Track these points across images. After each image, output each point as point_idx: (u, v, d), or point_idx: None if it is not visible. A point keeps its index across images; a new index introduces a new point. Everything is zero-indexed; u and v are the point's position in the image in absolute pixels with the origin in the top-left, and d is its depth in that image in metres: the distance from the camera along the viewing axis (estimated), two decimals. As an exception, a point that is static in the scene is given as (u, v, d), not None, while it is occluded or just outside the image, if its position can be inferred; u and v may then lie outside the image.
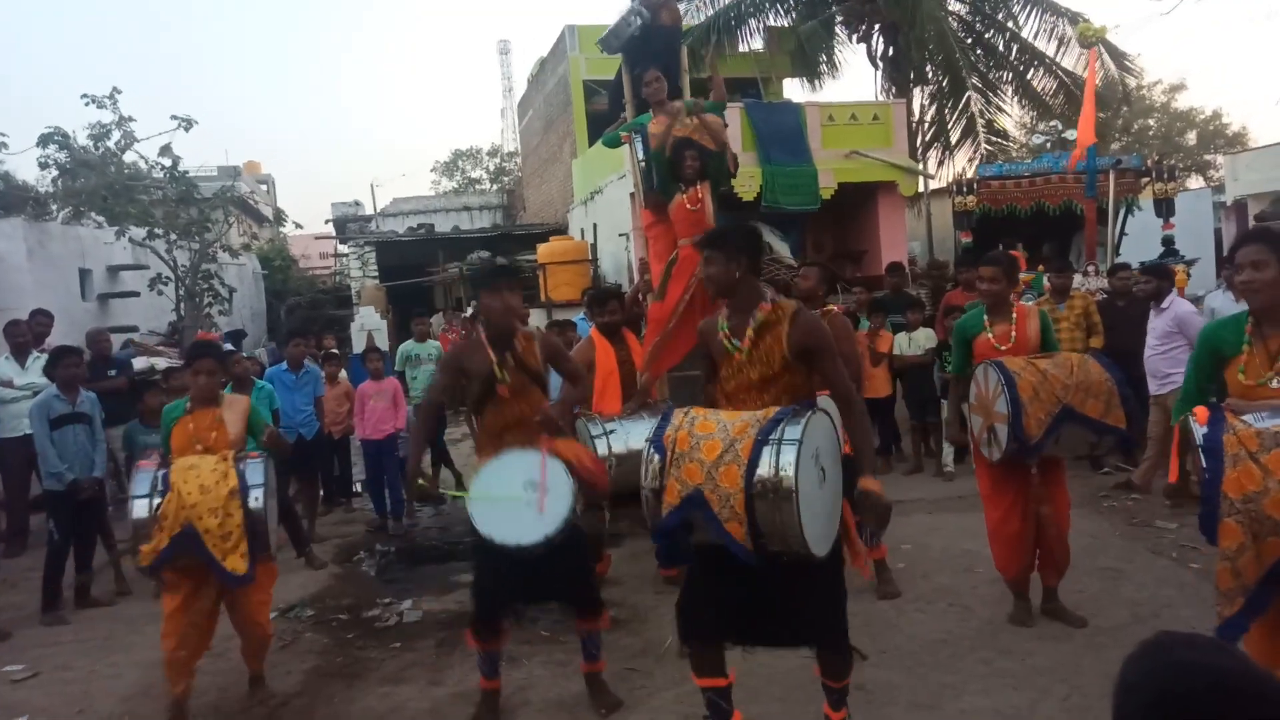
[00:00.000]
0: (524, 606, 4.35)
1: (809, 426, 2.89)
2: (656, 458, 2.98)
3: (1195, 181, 28.27)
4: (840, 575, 3.17)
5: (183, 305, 14.00)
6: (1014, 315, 4.48)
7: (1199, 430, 2.86)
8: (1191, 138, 31.62)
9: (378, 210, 27.56)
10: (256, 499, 3.97)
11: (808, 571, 2.95)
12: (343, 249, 25.69)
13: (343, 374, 8.55)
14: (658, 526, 2.96)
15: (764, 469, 2.82)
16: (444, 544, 7.02)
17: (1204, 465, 2.81)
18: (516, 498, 3.59)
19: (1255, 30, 57.83)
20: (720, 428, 2.97)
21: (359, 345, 13.62)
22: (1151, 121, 31.28)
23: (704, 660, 3.21)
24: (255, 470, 4.04)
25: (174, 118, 13.06)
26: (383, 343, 14.55)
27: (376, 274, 21.61)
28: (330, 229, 26.62)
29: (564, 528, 3.58)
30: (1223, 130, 31.64)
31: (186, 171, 13.99)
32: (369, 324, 16.50)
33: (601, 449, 4.87)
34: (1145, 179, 10.94)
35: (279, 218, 24.46)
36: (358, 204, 29.34)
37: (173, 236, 13.48)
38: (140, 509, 3.94)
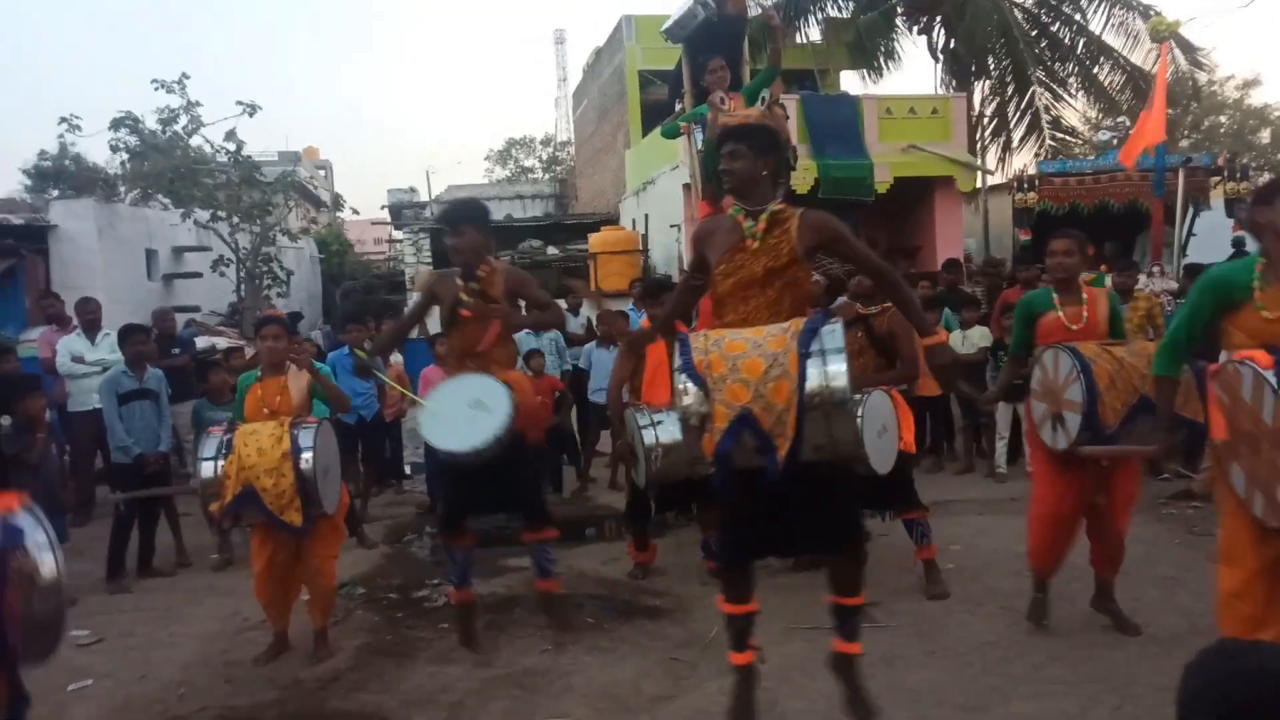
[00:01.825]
0: (480, 511, 4.66)
1: (841, 330, 2.92)
2: (693, 386, 2.90)
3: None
4: (854, 482, 3.25)
5: (243, 287, 14.33)
6: (1084, 296, 4.28)
7: (1269, 375, 2.67)
8: (1265, 136, 30.57)
9: (432, 197, 27.86)
10: (306, 461, 4.29)
11: (830, 481, 3.01)
12: (397, 235, 26.02)
13: (397, 357, 8.69)
14: (715, 454, 2.91)
15: (814, 381, 2.81)
16: (492, 528, 7.10)
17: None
18: (459, 413, 4.07)
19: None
20: (753, 345, 2.92)
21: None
22: (1223, 118, 30.31)
23: (733, 585, 3.23)
24: (307, 435, 4.37)
25: (239, 103, 13.37)
26: (435, 327, 14.71)
27: (430, 260, 21.86)
28: (385, 215, 26.98)
29: (492, 444, 4.00)
30: (1298, 129, 30.52)
31: (249, 156, 14.30)
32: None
33: (649, 439, 4.90)
34: (1216, 178, 10.63)
35: (336, 203, 24.88)
36: (413, 190, 29.68)
37: (235, 219, 13.80)
38: (207, 470, 4.32)
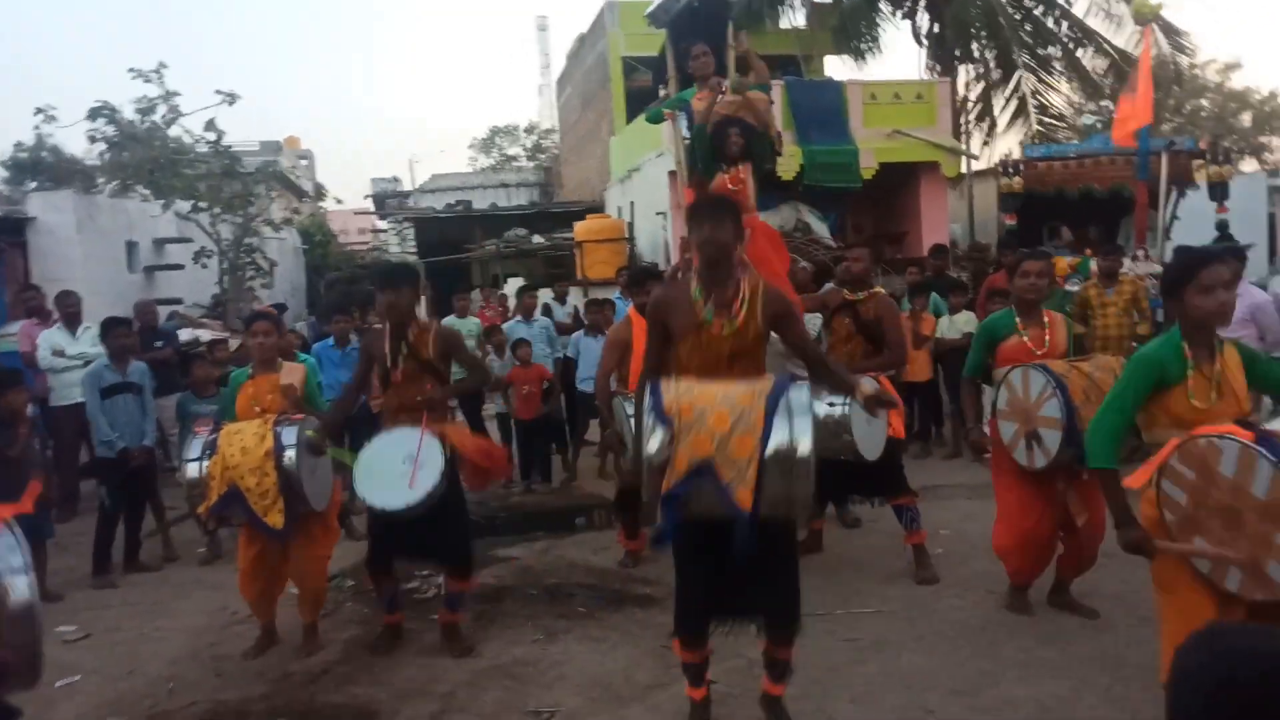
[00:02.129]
0: (407, 556, 4.63)
1: (808, 393, 2.99)
2: (660, 429, 2.95)
3: (1249, 164, 27.51)
4: (795, 543, 3.33)
5: (225, 278, 14.20)
6: (1045, 320, 4.31)
7: (1263, 449, 2.61)
8: (1246, 119, 30.72)
9: (416, 186, 27.73)
10: (289, 458, 4.24)
11: (775, 540, 3.07)
12: (381, 225, 25.89)
13: (383, 349, 8.61)
14: (667, 495, 2.96)
15: (778, 439, 2.87)
16: (482, 518, 7.08)
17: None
18: (393, 468, 4.07)
19: (1316, 8, 55.80)
20: (723, 397, 2.96)
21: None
22: (1205, 102, 30.43)
23: (689, 640, 3.32)
24: (290, 432, 4.31)
25: (218, 92, 13.22)
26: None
27: (415, 250, 21.75)
28: (369, 205, 26.84)
29: (427, 500, 4.03)
30: (1278, 111, 30.68)
31: (230, 146, 14.15)
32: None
33: (635, 427, 4.89)
34: (1198, 161, 10.67)
35: (319, 193, 24.70)
36: (396, 180, 29.53)
37: (216, 210, 13.66)
38: (192, 471, 4.29)
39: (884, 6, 15.68)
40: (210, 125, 13.33)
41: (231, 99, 13.21)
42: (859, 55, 15.67)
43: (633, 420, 4.85)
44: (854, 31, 15.23)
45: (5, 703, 2.49)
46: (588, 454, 8.34)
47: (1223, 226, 10.39)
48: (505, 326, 8.95)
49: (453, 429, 4.44)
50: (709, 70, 5.91)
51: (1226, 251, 6.96)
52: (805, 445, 2.86)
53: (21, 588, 2.40)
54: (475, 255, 19.06)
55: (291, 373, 4.68)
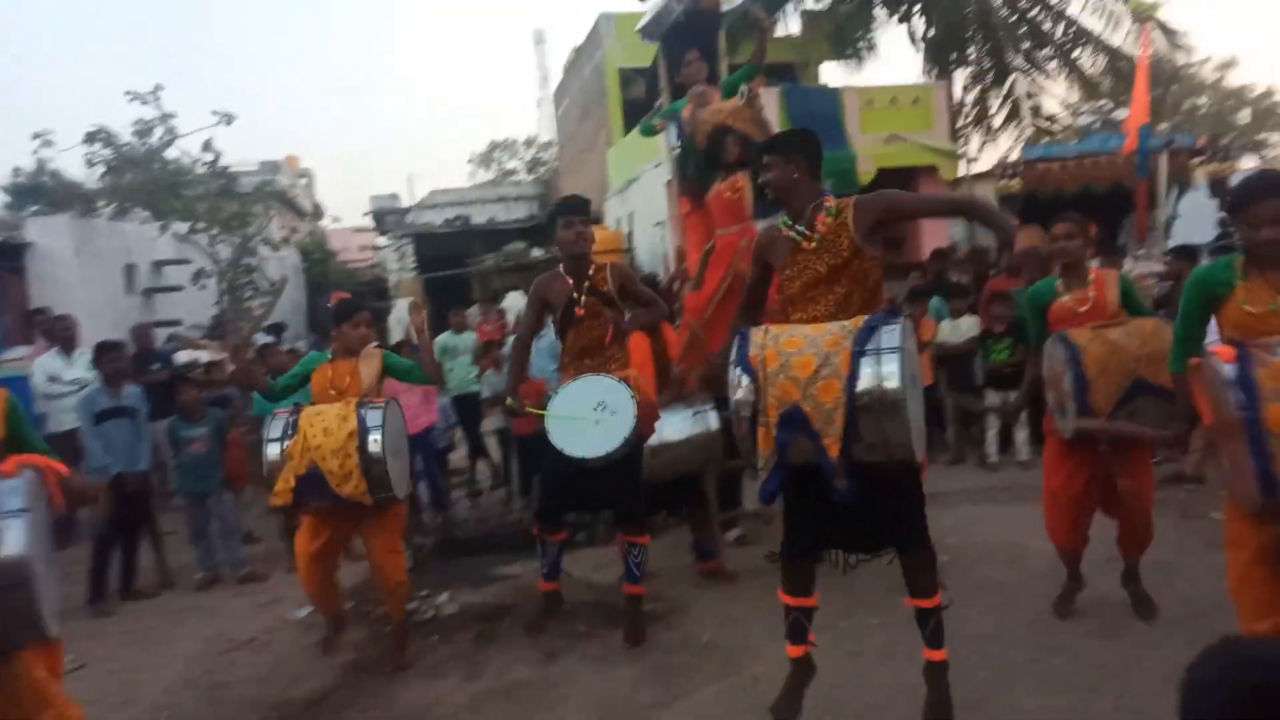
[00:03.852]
0: (580, 508, 4.77)
1: (904, 330, 2.87)
2: (745, 379, 2.94)
3: (1249, 161, 27.44)
4: (919, 480, 3.20)
5: (225, 298, 14.19)
6: (1091, 278, 4.23)
7: (1227, 369, 2.78)
8: (1245, 116, 30.68)
9: (415, 203, 27.74)
10: (375, 442, 4.13)
11: (892, 479, 2.99)
12: (381, 242, 25.91)
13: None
14: (767, 455, 2.95)
15: (866, 380, 2.80)
16: (481, 537, 7.02)
17: (1238, 402, 2.71)
18: (586, 417, 4.08)
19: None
20: (809, 342, 2.92)
21: (396, 337, 13.71)
22: (1202, 100, 30.40)
23: (794, 579, 3.26)
24: (374, 414, 4.20)
25: (215, 113, 13.20)
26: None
27: (415, 266, 21.76)
28: (368, 222, 26.84)
29: (623, 446, 4.05)
30: (1276, 109, 30.64)
31: (228, 166, 14.16)
32: (406, 317, 16.62)
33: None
34: (1198, 159, 10.62)
35: (318, 211, 24.73)
36: (395, 197, 29.52)
37: (214, 230, 13.66)
38: (273, 452, 4.19)
39: (879, 11, 15.66)
40: (207, 146, 13.34)
41: (228, 119, 13.20)
42: (856, 59, 15.65)
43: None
44: (849, 37, 15.21)
45: None
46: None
47: (1224, 224, 10.33)
48: (511, 341, 8.90)
49: (632, 373, 4.39)
50: (700, 77, 5.88)
51: (1226, 250, 6.97)
52: (894, 384, 2.78)
53: (13, 539, 2.25)
54: (475, 270, 19.05)
55: (370, 357, 4.58)
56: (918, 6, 15.15)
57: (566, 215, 4.39)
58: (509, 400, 4.43)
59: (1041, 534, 5.06)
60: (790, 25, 15.81)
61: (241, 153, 17.97)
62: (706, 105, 5.73)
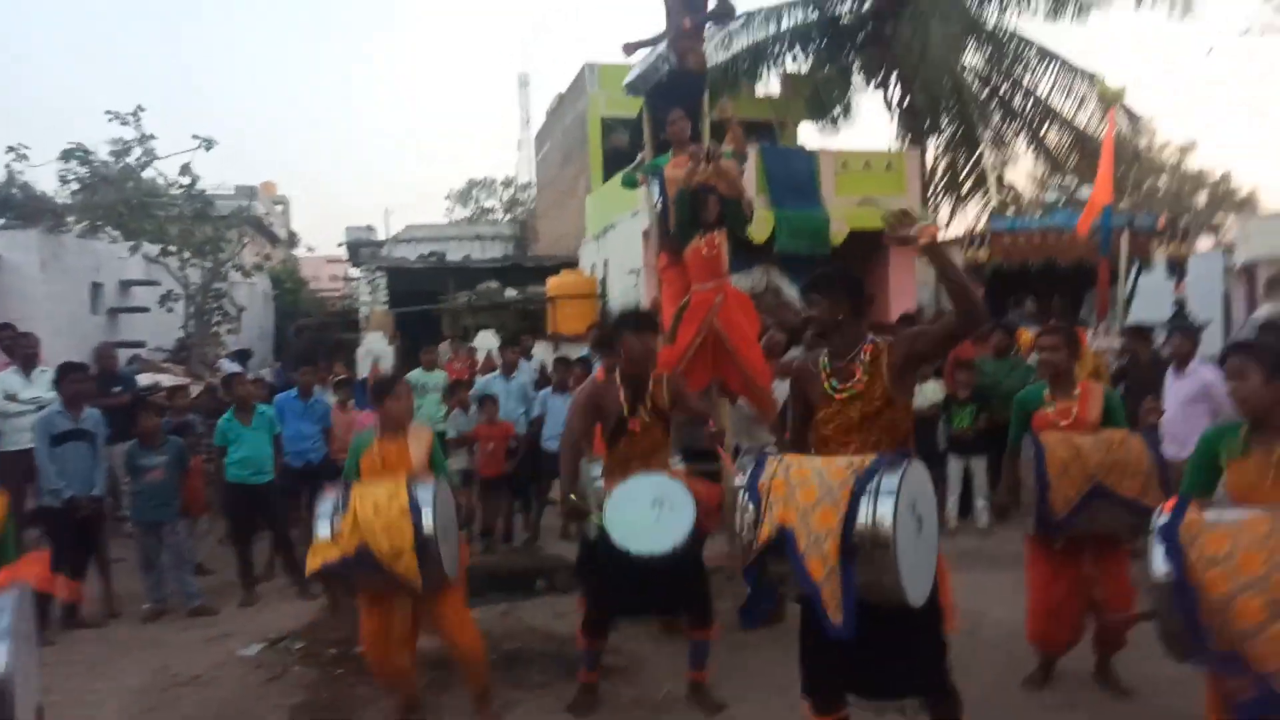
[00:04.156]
0: (636, 613, 4.67)
1: (906, 476, 2.88)
2: (751, 506, 2.96)
3: (1205, 242, 28.32)
4: (941, 622, 3.15)
5: (191, 323, 14.04)
6: (1077, 391, 4.32)
7: (1159, 519, 2.80)
8: (1202, 199, 31.72)
9: (390, 236, 27.72)
10: (427, 518, 3.94)
11: (907, 621, 2.94)
12: (354, 273, 25.82)
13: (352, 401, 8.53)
14: (747, 568, 2.97)
15: (862, 518, 2.82)
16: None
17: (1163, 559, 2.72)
18: (645, 514, 4.01)
19: (1257, 91, 58.35)
20: (816, 474, 2.95)
21: (364, 370, 13.62)
22: (1162, 181, 31.40)
23: (820, 704, 3.19)
24: (426, 492, 4.03)
25: (195, 137, 13.24)
26: (388, 368, 14.54)
27: (387, 299, 21.67)
28: (342, 252, 26.79)
29: (686, 541, 3.96)
30: (1232, 193, 31.74)
31: (204, 190, 14.11)
32: (375, 349, 16.51)
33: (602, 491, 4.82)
34: (1156, 239, 10.92)
35: (293, 239, 24.63)
36: (371, 229, 29.49)
37: (186, 254, 13.57)
38: (323, 530, 4.00)
39: (856, 77, 16.10)
40: (185, 169, 13.32)
41: (208, 144, 13.22)
42: (831, 124, 16.03)
43: (597, 483, 4.79)
44: (827, 100, 15.59)
45: None
46: (551, 514, 8.23)
47: (1180, 304, 10.64)
48: (483, 381, 8.89)
49: (681, 471, 4.40)
50: (685, 135, 6.01)
51: (1179, 330, 7.19)
52: (887, 527, 2.78)
53: None
54: (447, 307, 19.01)
55: (419, 435, 4.44)
56: (895, 74, 15.58)
57: (640, 329, 4.31)
58: (570, 496, 4.31)
59: (999, 602, 5.12)
60: (770, 85, 16.18)
61: (218, 176, 17.92)
62: (691, 166, 5.84)
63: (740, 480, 3.06)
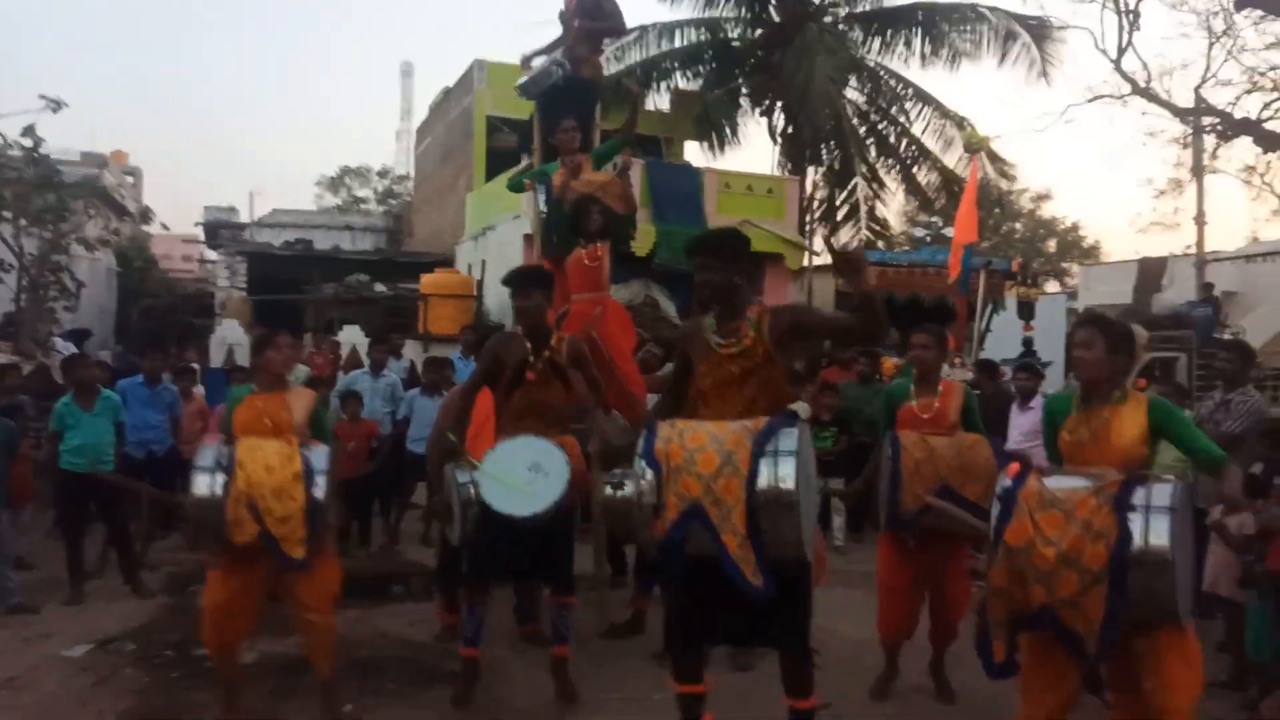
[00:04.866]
0: (511, 573, 4.65)
1: (801, 434, 3.00)
2: (650, 472, 3.01)
3: (1052, 286, 30.45)
4: (809, 584, 3.27)
5: (24, 296, 12.97)
6: (940, 389, 4.54)
7: (1004, 482, 3.15)
8: (1052, 245, 34.12)
9: (254, 219, 26.46)
10: (320, 486, 3.85)
11: (786, 578, 3.04)
12: (211, 256, 24.51)
13: (199, 389, 8.05)
14: (660, 542, 3.03)
15: (764, 480, 2.91)
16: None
17: (996, 513, 3.08)
18: (519, 476, 4.01)
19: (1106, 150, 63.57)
20: (712, 439, 3.03)
21: (218, 359, 12.90)
22: (1018, 226, 33.60)
23: (684, 668, 3.28)
24: (320, 456, 3.90)
25: (42, 97, 12.27)
26: (245, 358, 13.82)
27: (246, 285, 20.63)
28: (199, 232, 25.39)
29: (552, 509, 3.97)
30: (1079, 241, 34.30)
31: (48, 155, 13.07)
32: (232, 338, 15.67)
33: (467, 495, 4.71)
34: (1010, 281, 11.67)
35: (145, 215, 23.16)
36: (233, 210, 28.07)
37: (22, 222, 12.53)
38: (202, 486, 3.73)
39: (744, 102, 16.51)
40: (28, 131, 12.29)
41: (56, 105, 12.28)
42: (718, 144, 16.38)
43: (464, 487, 4.68)
44: (715, 122, 15.93)
45: None
46: (412, 518, 7.99)
47: (1028, 343, 11.38)
48: (349, 378, 8.55)
49: (568, 440, 4.35)
50: (574, 145, 5.99)
51: (1026, 367, 7.70)
52: (789, 485, 2.90)
53: None
54: (312, 298, 18.25)
55: (301, 395, 4.21)
56: (780, 104, 16.08)
57: (523, 286, 4.38)
58: (449, 435, 4.32)
59: (850, 619, 5.28)
60: (660, 101, 16.39)
61: (66, 141, 16.64)
62: (578, 175, 5.82)
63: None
